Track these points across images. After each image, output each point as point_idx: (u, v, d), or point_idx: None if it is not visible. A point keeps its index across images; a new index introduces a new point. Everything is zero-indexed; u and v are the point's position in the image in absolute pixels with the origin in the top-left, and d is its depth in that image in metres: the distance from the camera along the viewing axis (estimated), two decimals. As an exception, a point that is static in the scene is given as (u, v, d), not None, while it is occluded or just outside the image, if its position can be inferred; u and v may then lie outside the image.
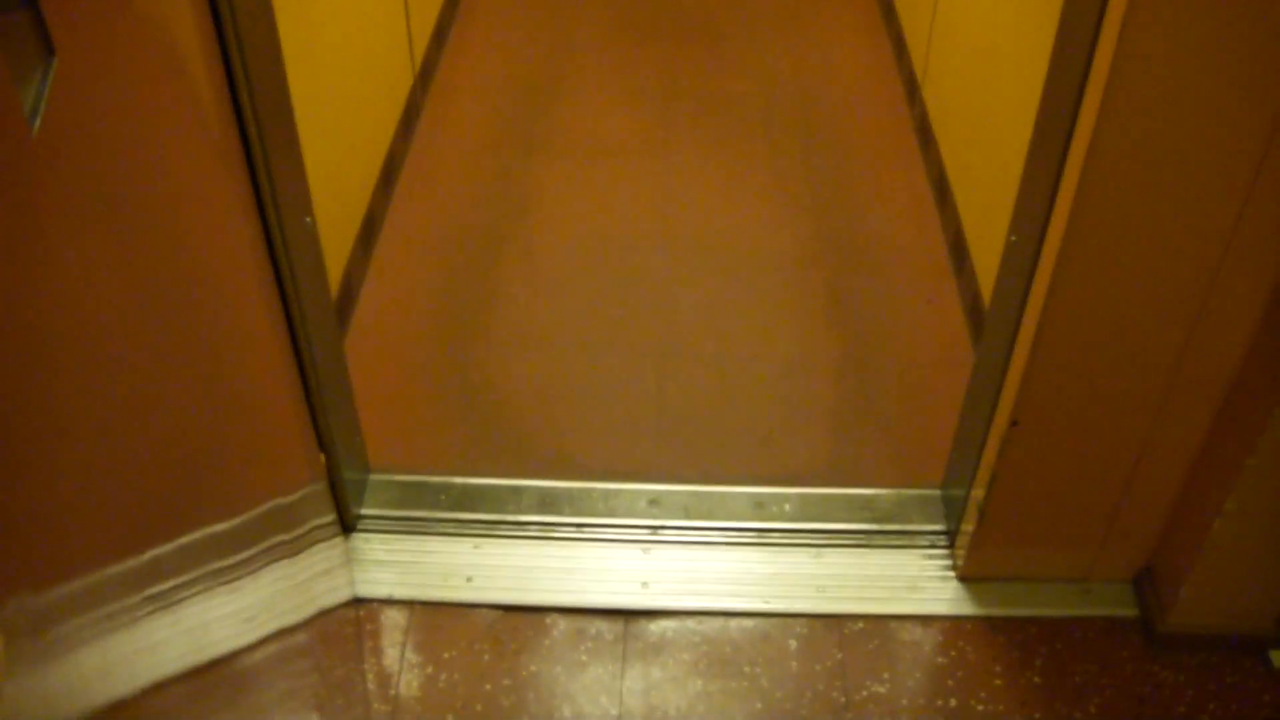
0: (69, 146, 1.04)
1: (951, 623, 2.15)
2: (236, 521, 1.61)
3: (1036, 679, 2.07)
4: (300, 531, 2.02)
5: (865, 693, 2.05)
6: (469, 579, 2.20)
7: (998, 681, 2.07)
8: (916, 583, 2.20)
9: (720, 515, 2.29)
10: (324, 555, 2.11)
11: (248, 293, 1.78)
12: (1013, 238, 1.89)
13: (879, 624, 2.15)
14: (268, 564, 1.80)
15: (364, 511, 2.30)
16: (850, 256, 2.99)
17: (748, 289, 2.90)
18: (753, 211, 3.15)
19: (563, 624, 2.14)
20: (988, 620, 2.16)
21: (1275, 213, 1.64)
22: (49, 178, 1.00)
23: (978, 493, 2.08)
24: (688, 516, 2.29)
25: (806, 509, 2.30)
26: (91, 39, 1.13)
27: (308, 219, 1.92)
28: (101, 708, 1.00)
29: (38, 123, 0.94)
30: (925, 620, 2.16)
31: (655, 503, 2.31)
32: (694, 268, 2.95)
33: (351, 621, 2.15)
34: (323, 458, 2.14)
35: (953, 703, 2.04)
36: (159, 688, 1.14)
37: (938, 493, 2.33)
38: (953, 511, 2.24)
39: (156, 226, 1.34)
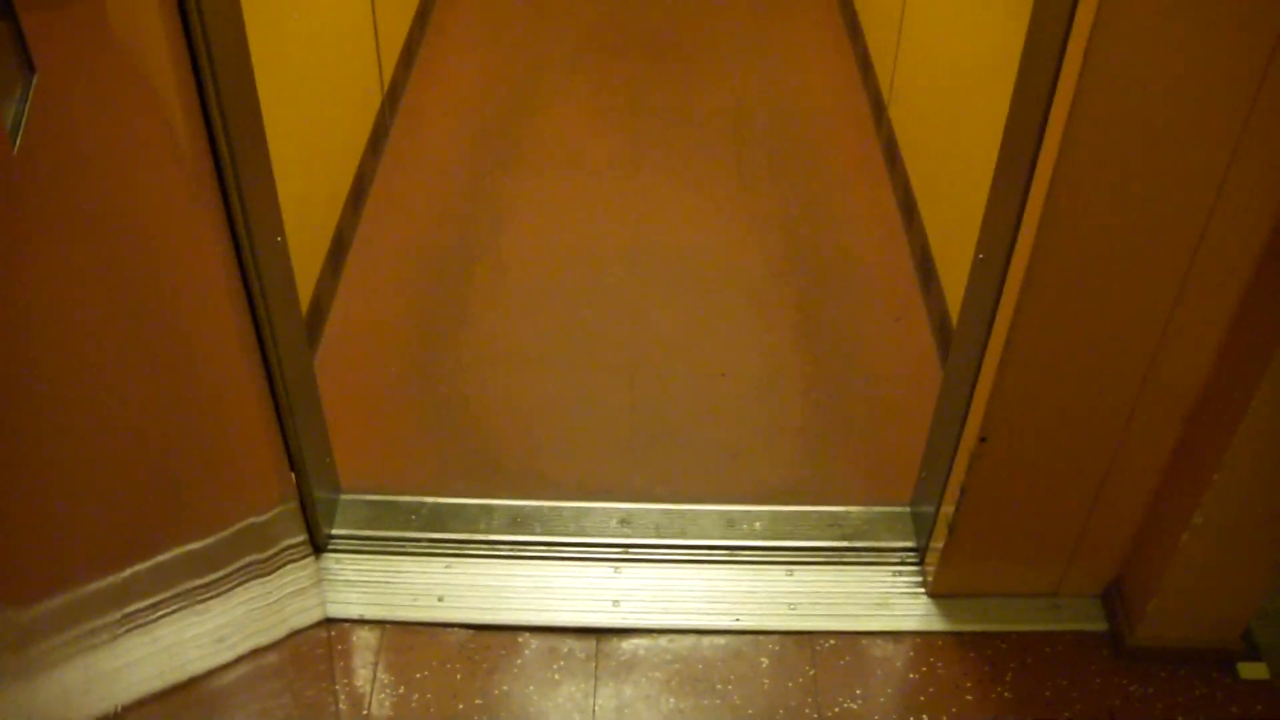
0: (47, 163, 1.04)
1: (922, 638, 2.16)
2: (209, 540, 1.60)
3: (1007, 694, 2.08)
4: (272, 551, 2.01)
5: (837, 709, 2.05)
6: (440, 598, 2.19)
7: (968, 697, 2.08)
8: (887, 599, 2.21)
9: (691, 533, 2.30)
10: (295, 575, 2.10)
11: (219, 310, 1.78)
12: (980, 255, 1.90)
13: (850, 640, 2.16)
14: (240, 584, 1.79)
15: (335, 531, 2.30)
16: (819, 274, 3.01)
17: (718, 306, 2.91)
18: (722, 229, 3.17)
19: (535, 643, 2.14)
20: (958, 636, 2.17)
21: (1238, 232, 1.66)
22: (27, 194, 0.99)
23: (947, 509, 2.09)
24: (659, 535, 2.29)
25: (777, 526, 2.31)
26: (70, 58, 1.13)
27: (278, 238, 1.92)
28: (81, 726, 1.00)
29: (19, 139, 0.94)
30: (896, 636, 2.17)
31: (626, 521, 2.31)
32: (664, 285, 2.96)
33: (323, 642, 2.14)
34: (293, 477, 2.13)
35: (924, 718, 2.05)
36: (136, 706, 1.14)
37: (907, 509, 2.35)
38: (922, 528, 2.25)
39: (130, 245, 1.34)
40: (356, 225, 3.08)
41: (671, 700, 2.06)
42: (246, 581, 1.82)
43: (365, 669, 2.10)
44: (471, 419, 2.60)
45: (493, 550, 2.27)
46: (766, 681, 2.09)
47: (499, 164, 3.39)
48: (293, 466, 2.12)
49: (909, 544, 2.29)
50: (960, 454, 2.03)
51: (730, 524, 2.31)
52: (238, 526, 1.79)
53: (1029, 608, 2.21)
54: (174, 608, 1.36)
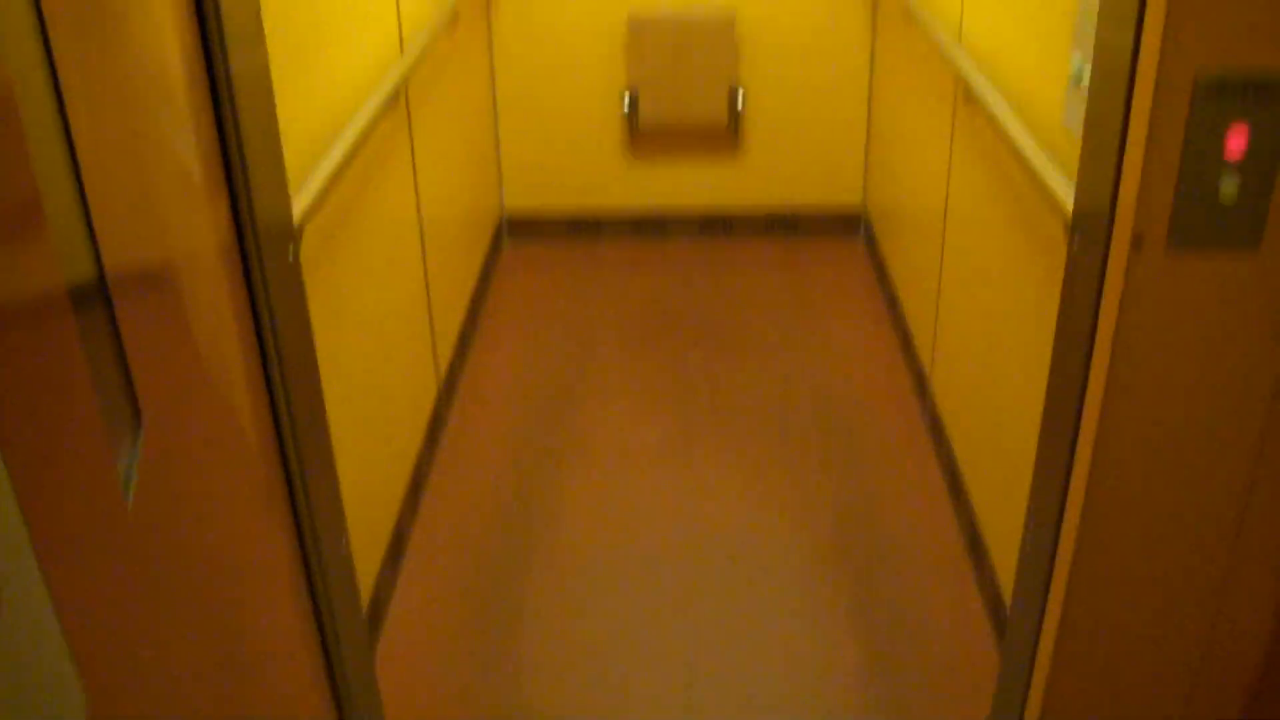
0: (151, 510, 1.10)
1: None
2: None
3: None
4: None
5: None
6: None
7: None
8: None
9: (757, 830, 2.26)
10: None
11: (284, 614, 1.82)
12: (1027, 539, 1.93)
13: None
14: None
15: (396, 834, 2.27)
16: (869, 554, 3.03)
17: (771, 593, 2.92)
18: (772, 514, 3.20)
19: None
20: None
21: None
22: (139, 544, 1.05)
23: (1016, 799, 2.06)
24: (724, 832, 2.26)
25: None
26: (170, 408, 1.21)
27: (343, 543, 1.98)
28: None
29: (131, 494, 1.00)
30: None
31: (691, 820, 2.28)
32: (717, 573, 2.98)
33: None
34: (355, 778, 2.13)
35: None
36: None
37: (975, 799, 2.31)
38: (992, 819, 2.21)
39: (202, 558, 1.40)
40: (414, 518, 3.14)
41: None
42: None
43: None
44: (532, 715, 2.59)
45: None
46: None
47: (552, 452, 3.46)
48: (354, 767, 2.12)
49: (978, 836, 2.25)
50: (1025, 741, 2.02)
51: (796, 821, 2.27)
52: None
53: None
54: None
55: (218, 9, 1.48)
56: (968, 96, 2.76)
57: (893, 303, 4.12)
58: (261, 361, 1.68)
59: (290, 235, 1.68)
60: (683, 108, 4.49)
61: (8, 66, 1.00)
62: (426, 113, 3.39)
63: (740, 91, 4.52)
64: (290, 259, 1.64)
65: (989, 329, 2.86)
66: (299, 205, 1.81)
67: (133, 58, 1.33)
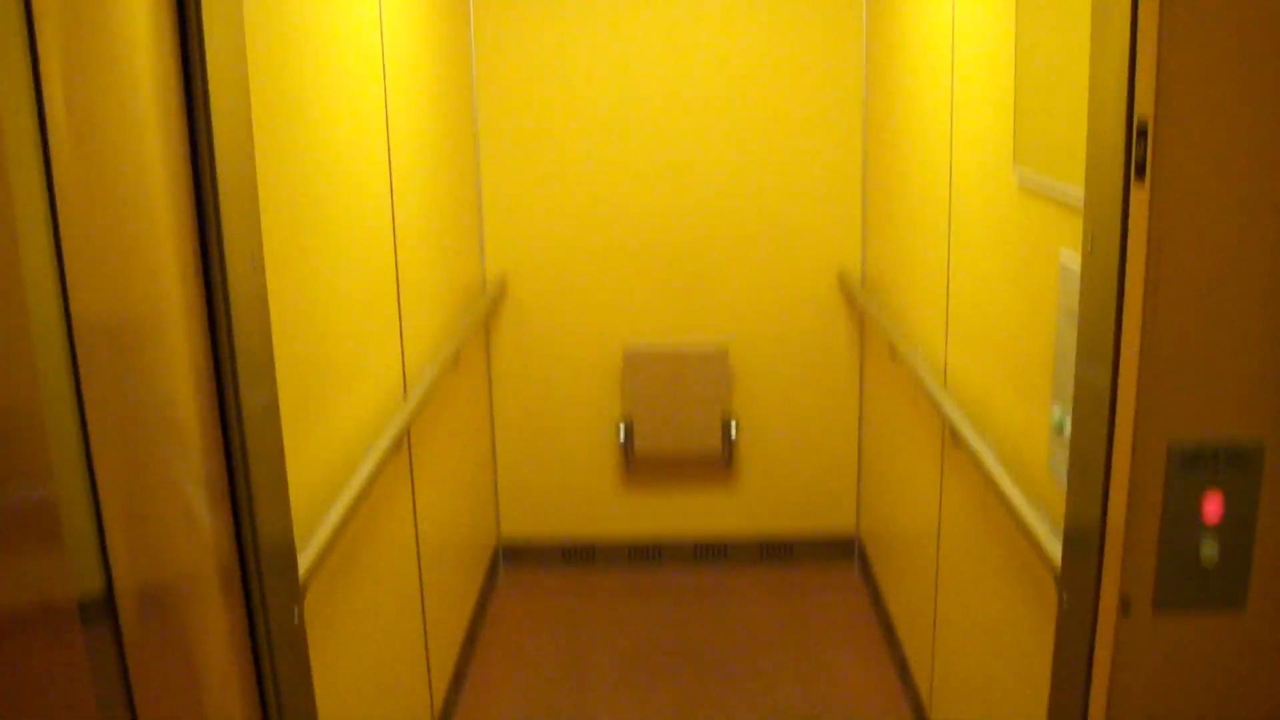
0: None
1: None
2: None
3: None
4: None
5: None
6: None
7: None
8: None
9: None
10: None
11: None
12: None
13: None
14: None
15: None
16: None
17: None
18: None
19: None
20: None
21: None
22: None
23: None
24: None
25: None
26: None
27: None
28: None
29: None
30: None
31: None
32: None
33: None
34: None
35: None
36: None
37: None
38: None
39: None
40: None
41: None
42: None
43: None
44: None
45: None
46: None
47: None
48: None
49: None
50: None
51: None
52: None
53: None
54: None
55: (233, 353, 1.55)
56: (955, 439, 2.84)
57: (889, 630, 4.11)
58: (263, 713, 1.69)
59: (295, 594, 1.71)
60: (677, 437, 4.59)
61: (41, 397, 1.08)
62: (427, 447, 3.47)
63: (733, 422, 4.63)
64: (295, 622, 1.67)
65: (986, 659, 2.85)
66: (304, 563, 1.85)
67: (146, 389, 1.40)
